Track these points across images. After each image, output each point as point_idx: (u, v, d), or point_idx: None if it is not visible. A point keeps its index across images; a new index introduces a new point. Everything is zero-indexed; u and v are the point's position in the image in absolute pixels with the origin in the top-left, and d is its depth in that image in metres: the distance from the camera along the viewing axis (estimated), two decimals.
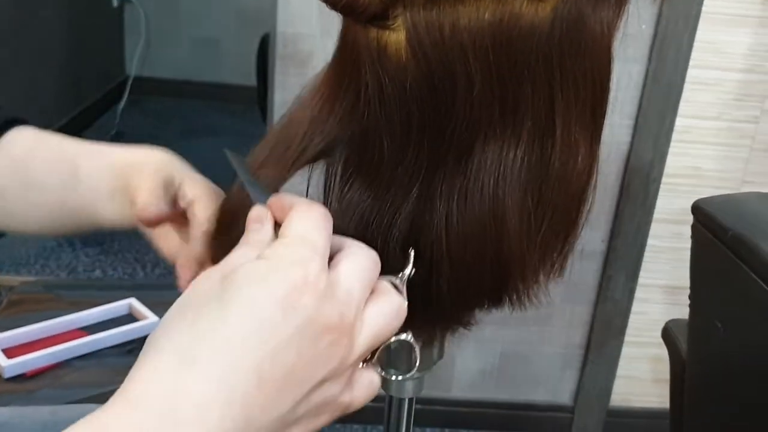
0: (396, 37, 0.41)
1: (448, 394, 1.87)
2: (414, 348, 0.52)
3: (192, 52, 3.80)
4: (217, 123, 3.58)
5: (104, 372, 1.27)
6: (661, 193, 1.71)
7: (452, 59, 0.40)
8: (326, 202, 0.48)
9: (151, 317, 1.40)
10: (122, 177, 0.59)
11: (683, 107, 1.64)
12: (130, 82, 3.66)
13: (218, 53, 3.79)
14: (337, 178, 0.46)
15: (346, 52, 0.44)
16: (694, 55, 1.60)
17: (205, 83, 3.80)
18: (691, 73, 1.61)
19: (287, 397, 0.36)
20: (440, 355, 0.56)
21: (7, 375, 1.22)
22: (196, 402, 0.34)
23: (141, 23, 3.72)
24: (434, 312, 0.47)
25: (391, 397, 0.58)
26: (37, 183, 0.61)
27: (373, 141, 0.44)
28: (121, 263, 2.39)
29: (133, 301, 1.45)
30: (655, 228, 1.74)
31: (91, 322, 1.39)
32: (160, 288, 1.55)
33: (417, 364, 0.53)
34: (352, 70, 0.43)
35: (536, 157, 0.43)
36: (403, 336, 0.51)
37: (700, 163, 1.70)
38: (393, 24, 0.41)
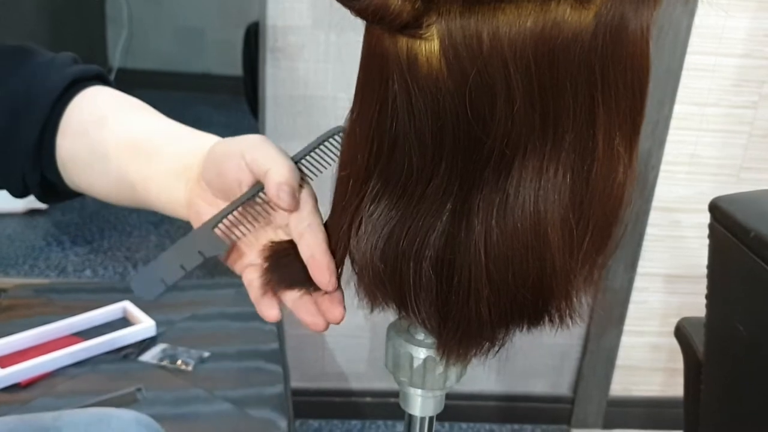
0: (428, 46, 0.38)
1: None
2: (439, 367, 0.50)
3: (176, 43, 3.74)
4: (204, 114, 3.53)
5: (99, 379, 1.25)
6: (659, 180, 1.69)
7: (491, 71, 0.37)
8: (353, 220, 0.45)
9: (145, 321, 1.37)
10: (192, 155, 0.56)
11: (682, 94, 1.62)
12: (113, 74, 3.60)
13: (203, 43, 3.74)
14: (365, 194, 0.44)
15: (371, 62, 0.41)
16: (692, 41, 1.58)
17: (191, 74, 3.75)
18: (690, 59, 1.59)
19: None
20: (464, 372, 0.53)
21: (0, 385, 1.19)
22: None
23: (124, 13, 3.66)
24: (470, 334, 0.45)
25: (410, 416, 0.55)
26: (103, 153, 0.59)
27: (401, 155, 0.42)
28: (112, 262, 2.35)
29: (127, 304, 1.42)
30: (653, 216, 1.73)
31: (85, 327, 1.36)
32: None
33: (444, 382, 0.51)
34: (378, 80, 0.41)
35: (578, 171, 0.41)
36: (430, 354, 0.49)
37: (698, 150, 1.68)
38: (426, 33, 0.38)
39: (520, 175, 0.40)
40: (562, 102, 0.39)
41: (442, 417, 1.91)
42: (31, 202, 2.54)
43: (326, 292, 0.51)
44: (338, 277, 0.50)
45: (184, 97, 3.66)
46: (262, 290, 0.52)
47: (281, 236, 0.54)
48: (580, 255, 0.43)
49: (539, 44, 0.37)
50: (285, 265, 0.52)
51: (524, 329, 0.46)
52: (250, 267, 0.54)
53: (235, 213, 0.52)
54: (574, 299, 0.45)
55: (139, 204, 0.60)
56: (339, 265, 0.50)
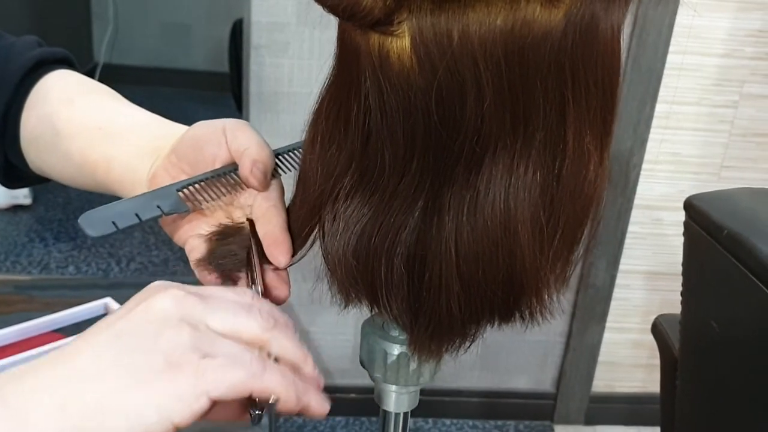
0: (400, 43, 0.38)
1: (430, 383, 1.87)
2: (413, 363, 0.51)
3: (162, 38, 3.73)
4: (190, 110, 3.52)
5: None
6: (641, 179, 1.71)
7: (461, 68, 0.38)
8: (326, 217, 0.45)
9: None
10: (162, 137, 0.56)
11: (663, 93, 1.63)
12: (99, 70, 3.57)
13: (189, 39, 3.72)
14: (339, 190, 0.44)
15: (344, 59, 0.41)
16: (674, 40, 1.59)
17: (177, 70, 3.73)
18: (671, 58, 1.60)
19: None
20: (438, 368, 0.54)
21: None
22: None
23: (109, 8, 3.64)
24: (441, 330, 0.45)
25: (385, 412, 0.56)
26: (67, 134, 0.59)
27: (374, 152, 0.42)
28: (95, 258, 2.34)
29: (109, 301, 1.41)
30: (635, 214, 1.74)
31: (67, 323, 1.35)
32: (137, 286, 1.51)
33: (418, 378, 0.52)
34: (350, 77, 0.41)
35: (548, 169, 0.41)
36: (404, 350, 0.49)
37: (679, 149, 1.70)
38: (397, 30, 0.38)
39: (490, 172, 0.40)
40: (533, 100, 0.39)
41: (425, 413, 1.92)
42: (14, 197, 2.53)
43: (275, 268, 0.51)
44: (290, 261, 0.51)
45: (169, 93, 3.64)
46: (200, 261, 0.52)
47: (240, 217, 0.54)
48: (551, 252, 0.43)
49: (509, 42, 0.37)
50: (232, 243, 0.52)
51: (496, 325, 0.46)
52: (196, 235, 0.53)
53: (202, 183, 0.53)
54: (545, 296, 0.45)
55: (98, 187, 0.60)
56: (296, 250, 0.50)
